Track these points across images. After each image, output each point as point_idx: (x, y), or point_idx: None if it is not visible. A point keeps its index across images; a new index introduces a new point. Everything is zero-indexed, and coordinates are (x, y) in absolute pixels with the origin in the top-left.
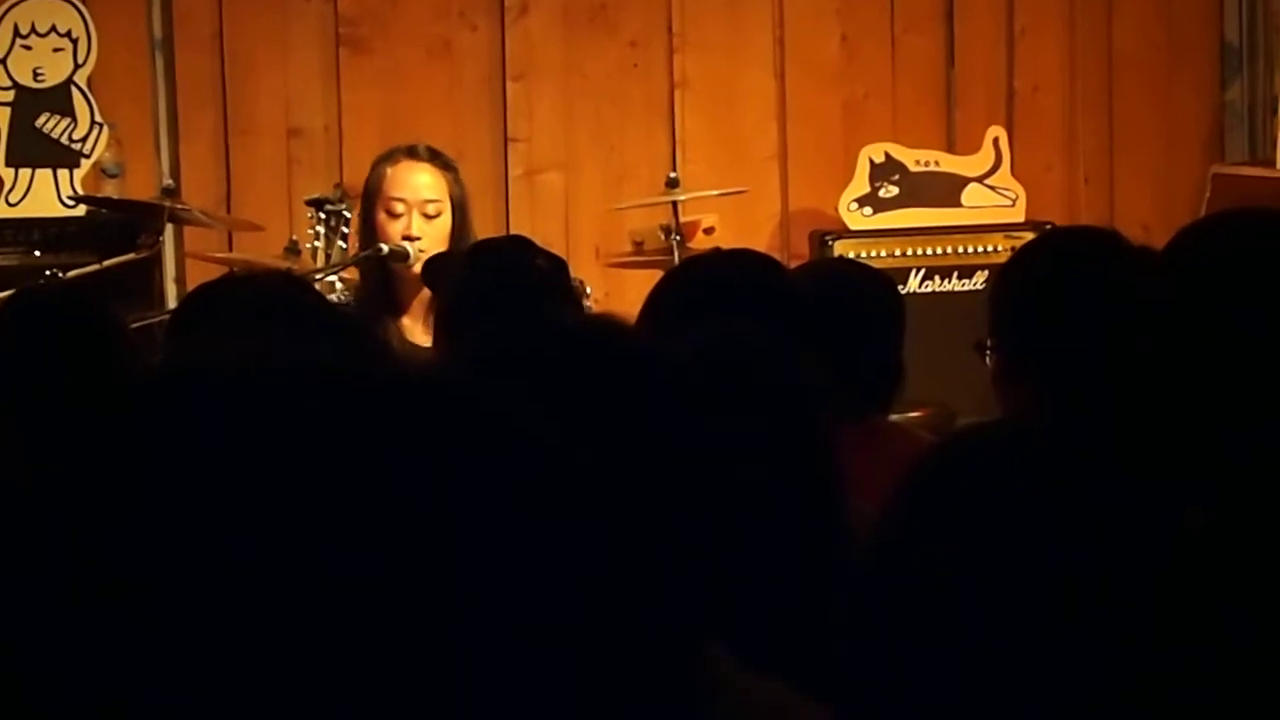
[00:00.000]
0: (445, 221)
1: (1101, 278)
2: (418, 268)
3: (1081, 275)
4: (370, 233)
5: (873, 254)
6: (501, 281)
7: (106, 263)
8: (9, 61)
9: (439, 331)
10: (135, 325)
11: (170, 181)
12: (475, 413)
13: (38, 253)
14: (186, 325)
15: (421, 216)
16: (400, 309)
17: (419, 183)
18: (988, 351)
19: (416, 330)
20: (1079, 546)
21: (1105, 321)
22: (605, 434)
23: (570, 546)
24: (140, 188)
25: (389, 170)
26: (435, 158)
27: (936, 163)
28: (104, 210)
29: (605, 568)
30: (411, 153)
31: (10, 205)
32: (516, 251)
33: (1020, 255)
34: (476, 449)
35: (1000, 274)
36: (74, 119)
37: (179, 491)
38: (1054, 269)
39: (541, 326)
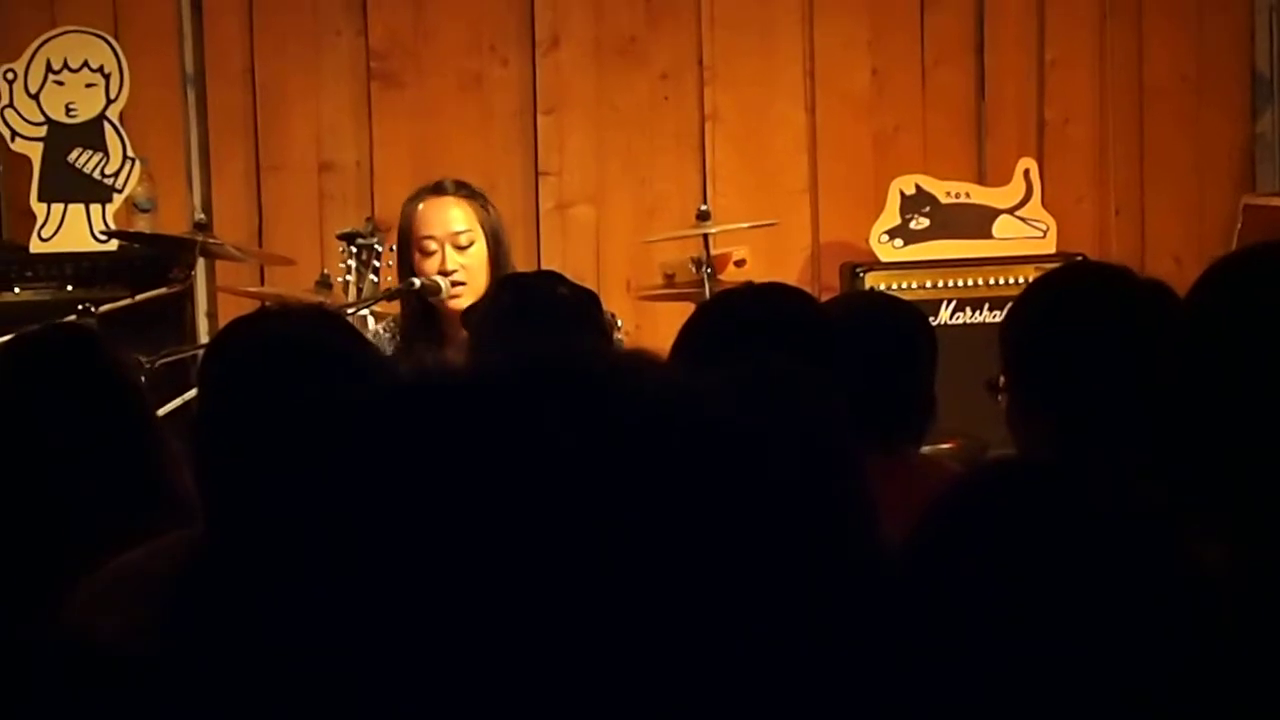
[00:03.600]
0: (480, 250)
1: (1112, 315)
2: (452, 302)
3: (1091, 313)
4: (409, 274)
5: (903, 286)
6: (526, 312)
7: (138, 297)
8: (42, 97)
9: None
10: (166, 359)
11: (202, 216)
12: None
13: (70, 287)
14: (222, 362)
15: (454, 249)
16: (445, 341)
17: (447, 217)
18: (999, 391)
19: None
20: (1099, 582)
21: (1117, 359)
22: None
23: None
24: (172, 222)
25: (417, 210)
26: (460, 189)
27: (967, 194)
28: (136, 245)
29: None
30: (437, 189)
31: (43, 240)
32: (540, 283)
33: (1029, 294)
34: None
35: (1010, 313)
36: (106, 154)
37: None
38: (1064, 308)
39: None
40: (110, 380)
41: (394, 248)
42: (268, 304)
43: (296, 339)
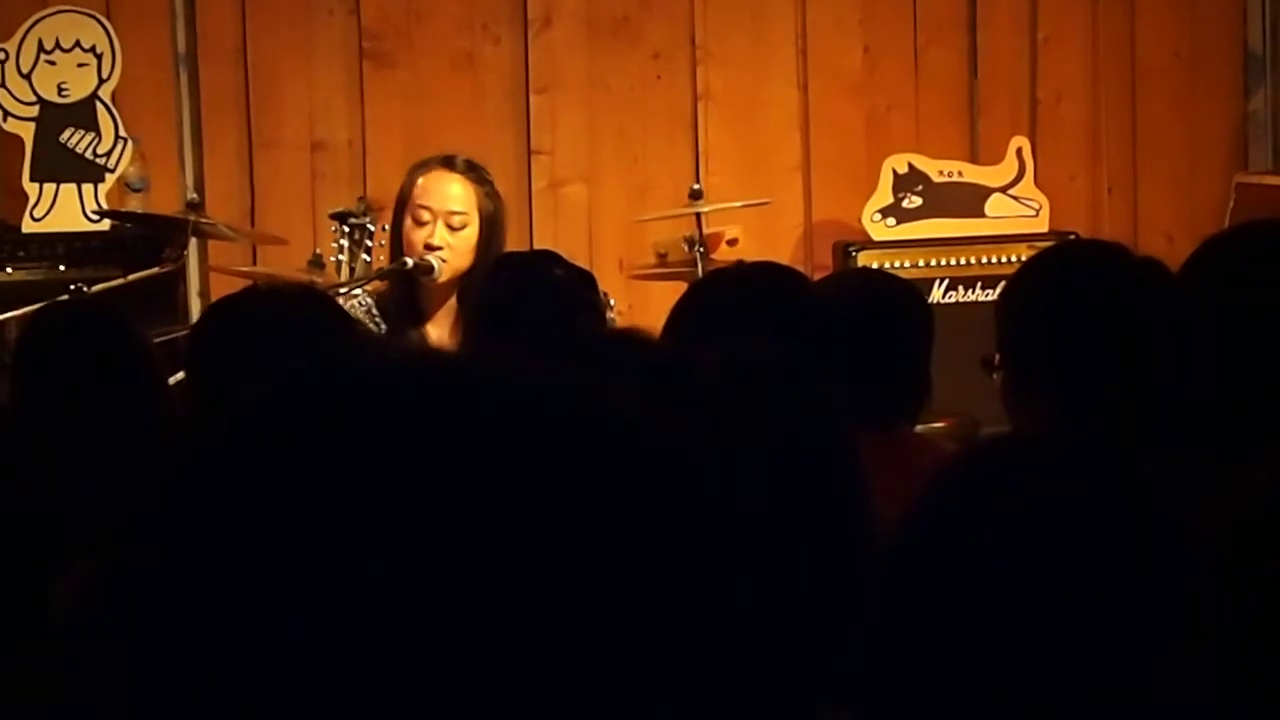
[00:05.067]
0: (471, 234)
1: (1107, 293)
2: (441, 279)
3: (1087, 291)
4: (398, 239)
5: (896, 264)
6: (521, 293)
7: (131, 277)
8: (34, 77)
9: (464, 342)
10: (158, 339)
11: (194, 195)
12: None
13: (62, 267)
14: (209, 342)
15: (446, 227)
16: (423, 317)
17: (448, 193)
18: (994, 369)
19: (443, 339)
20: (1093, 558)
21: (1112, 337)
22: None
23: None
24: (164, 202)
25: (421, 178)
26: (470, 170)
27: (960, 173)
28: (128, 224)
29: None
30: (446, 163)
31: (35, 220)
32: (536, 263)
33: (1024, 272)
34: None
35: (1005, 291)
36: (98, 134)
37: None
38: (1059, 285)
39: (565, 337)
40: (138, 357)
41: (385, 227)
42: (257, 283)
43: (279, 320)
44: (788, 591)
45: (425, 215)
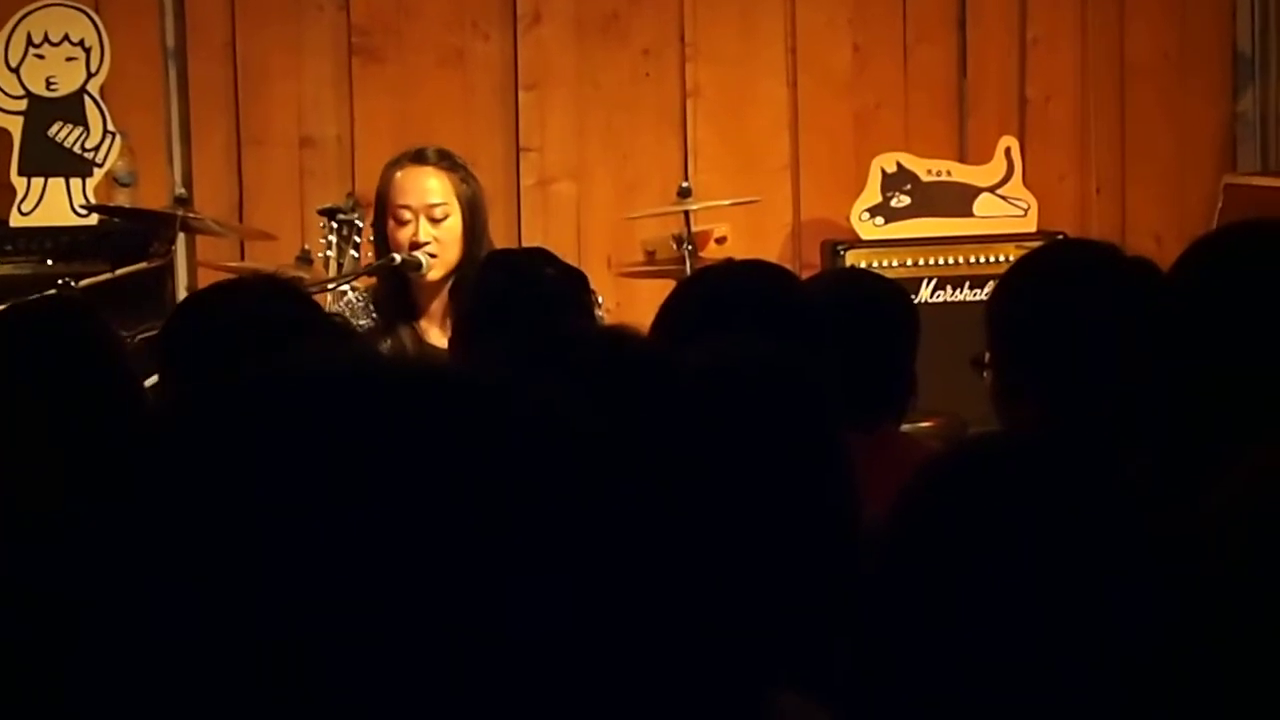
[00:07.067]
0: (455, 223)
1: (1099, 293)
2: (430, 275)
3: (1078, 291)
4: (383, 240)
5: (884, 264)
6: (513, 291)
7: (119, 271)
8: (22, 71)
9: (455, 340)
10: (146, 334)
11: (182, 190)
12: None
13: (50, 262)
14: (179, 341)
15: (428, 221)
16: (417, 311)
17: (424, 187)
18: (985, 368)
19: (433, 332)
20: (1077, 555)
21: (1104, 336)
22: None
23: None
24: (152, 197)
25: (396, 177)
26: (442, 159)
27: (948, 172)
28: (116, 219)
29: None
30: (417, 157)
31: (23, 214)
32: (528, 261)
33: (1014, 272)
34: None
35: (996, 290)
36: (87, 128)
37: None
38: (1050, 285)
39: (554, 337)
40: (101, 353)
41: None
42: (229, 278)
43: (251, 316)
44: (774, 589)
45: (406, 214)
